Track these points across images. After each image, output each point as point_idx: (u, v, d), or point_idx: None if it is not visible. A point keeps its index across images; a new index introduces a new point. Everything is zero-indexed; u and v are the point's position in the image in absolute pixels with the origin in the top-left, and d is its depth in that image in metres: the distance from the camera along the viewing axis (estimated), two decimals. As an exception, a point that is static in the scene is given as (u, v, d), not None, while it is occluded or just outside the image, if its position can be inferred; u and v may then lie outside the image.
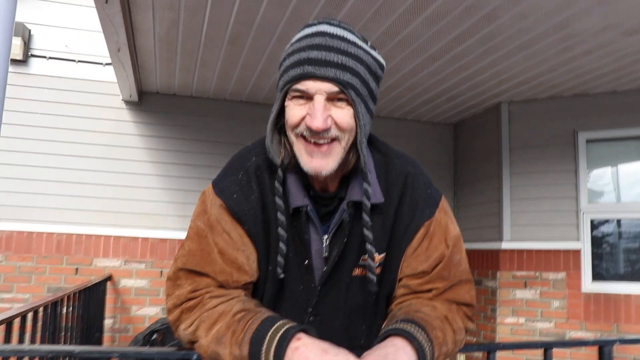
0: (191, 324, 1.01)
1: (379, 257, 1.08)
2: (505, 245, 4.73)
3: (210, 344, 0.97)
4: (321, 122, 0.95)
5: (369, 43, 1.03)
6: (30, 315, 2.37)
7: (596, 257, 4.48)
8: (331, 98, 0.97)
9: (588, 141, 4.59)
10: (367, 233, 1.03)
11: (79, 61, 4.80)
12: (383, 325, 1.06)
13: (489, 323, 4.77)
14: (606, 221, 4.54)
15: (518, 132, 4.85)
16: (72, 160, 4.68)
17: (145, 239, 4.74)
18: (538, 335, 4.54)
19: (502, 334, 4.65)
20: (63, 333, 3.10)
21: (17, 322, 2.15)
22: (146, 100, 4.92)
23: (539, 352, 1.50)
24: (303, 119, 0.98)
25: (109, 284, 4.59)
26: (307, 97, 0.98)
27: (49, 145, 4.64)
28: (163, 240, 4.77)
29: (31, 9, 4.72)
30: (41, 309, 2.54)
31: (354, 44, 0.99)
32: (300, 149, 1.01)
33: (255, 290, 1.11)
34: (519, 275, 4.66)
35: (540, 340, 4.52)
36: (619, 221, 4.52)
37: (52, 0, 4.80)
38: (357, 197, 1.05)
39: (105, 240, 4.67)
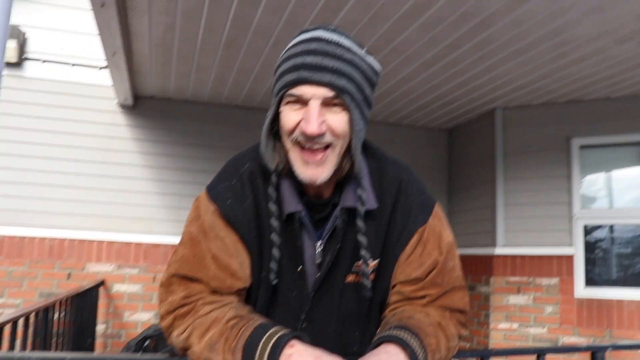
0: (184, 331, 1.00)
1: (372, 264, 1.08)
2: (499, 250, 4.74)
3: (203, 350, 0.96)
4: (316, 127, 0.95)
5: (365, 49, 1.04)
6: (21, 321, 2.34)
7: (589, 262, 4.50)
8: (326, 103, 0.98)
9: (582, 147, 4.62)
10: (361, 238, 1.03)
11: (74, 64, 4.78)
12: (377, 332, 1.06)
13: (483, 328, 4.78)
14: (599, 227, 4.56)
15: (512, 138, 4.87)
16: (65, 164, 4.66)
17: (138, 244, 4.72)
18: (531, 341, 4.55)
19: (496, 340, 4.65)
20: (55, 339, 3.08)
21: (8, 328, 2.12)
22: (141, 104, 4.91)
23: (532, 358, 1.50)
24: (298, 124, 0.98)
25: (101, 289, 4.56)
26: (303, 102, 0.98)
27: (43, 149, 4.62)
28: (156, 245, 4.74)
29: (26, 11, 4.70)
30: (32, 314, 2.52)
31: (350, 50, 1.00)
32: (295, 158, 1.01)
33: (248, 296, 1.10)
34: (513, 281, 4.67)
35: (533, 346, 4.53)
36: (611, 227, 4.54)
37: (48, 3, 4.79)
38: (350, 203, 1.05)
39: (98, 245, 4.65)
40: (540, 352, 1.45)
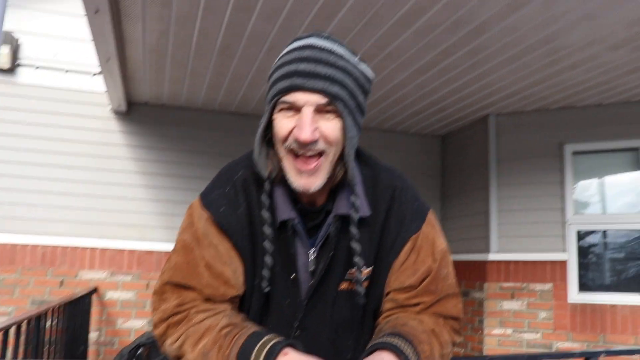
0: (177, 339, 1.00)
1: (366, 271, 1.08)
2: (493, 256, 4.75)
3: (196, 358, 0.96)
4: (309, 133, 0.96)
5: (358, 56, 1.04)
6: (13, 329, 2.32)
7: (582, 267, 4.52)
8: (319, 110, 0.98)
9: (574, 153, 4.65)
10: (355, 245, 1.03)
11: (68, 71, 4.77)
12: (370, 339, 1.06)
13: (477, 334, 4.78)
14: (592, 232, 4.58)
15: (506, 144, 4.90)
16: (58, 171, 4.63)
17: (131, 251, 4.69)
18: (525, 346, 4.55)
19: (490, 346, 4.66)
20: (47, 347, 3.05)
21: (-1, 336, 2.11)
22: (135, 111, 4.90)
23: (527, 365, 1.51)
24: (291, 131, 0.98)
25: (94, 296, 4.53)
26: (296, 109, 0.98)
27: (36, 156, 4.59)
28: (150, 252, 4.72)
29: (20, 17, 4.69)
30: (25, 322, 2.50)
31: (343, 57, 1.00)
32: (289, 166, 1.01)
33: (241, 304, 1.10)
34: (506, 287, 4.68)
35: (527, 351, 4.54)
36: (604, 232, 4.56)
37: (41, 10, 4.78)
38: (343, 211, 1.05)
39: (91, 252, 4.62)
40: (534, 358, 1.45)
